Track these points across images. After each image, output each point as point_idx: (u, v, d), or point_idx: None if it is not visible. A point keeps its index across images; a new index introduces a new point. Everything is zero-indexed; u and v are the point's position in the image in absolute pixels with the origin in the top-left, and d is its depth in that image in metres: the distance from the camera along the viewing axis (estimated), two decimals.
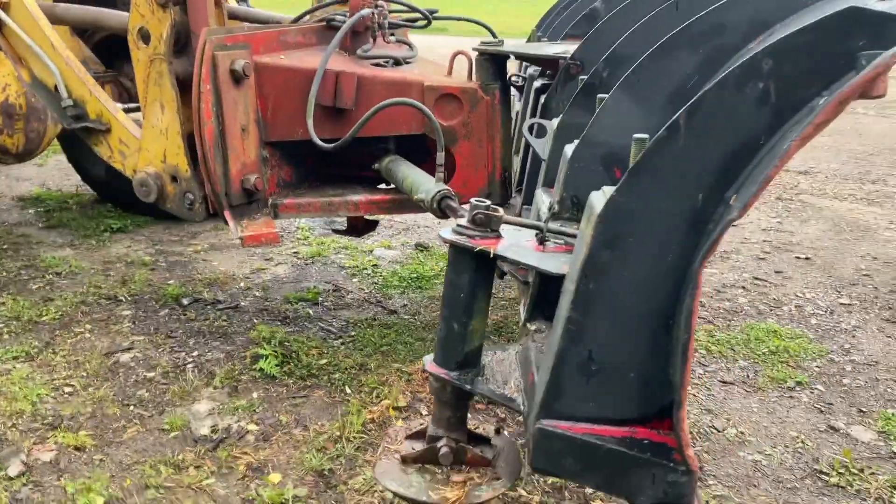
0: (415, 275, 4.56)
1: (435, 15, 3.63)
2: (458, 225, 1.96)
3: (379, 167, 3.32)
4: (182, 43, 3.11)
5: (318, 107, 3.18)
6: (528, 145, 3.02)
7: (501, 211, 1.96)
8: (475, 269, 1.94)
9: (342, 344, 3.70)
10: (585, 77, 2.44)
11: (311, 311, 4.05)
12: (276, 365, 3.41)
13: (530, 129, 2.83)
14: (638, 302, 1.48)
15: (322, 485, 2.72)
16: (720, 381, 3.48)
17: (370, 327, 3.88)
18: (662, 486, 1.52)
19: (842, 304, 4.31)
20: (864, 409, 3.28)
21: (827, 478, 2.85)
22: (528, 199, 2.95)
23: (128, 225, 5.30)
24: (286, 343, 3.61)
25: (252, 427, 3.03)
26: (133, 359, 3.51)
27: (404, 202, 3.30)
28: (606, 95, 2.02)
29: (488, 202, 1.94)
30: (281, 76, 3.16)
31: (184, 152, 3.12)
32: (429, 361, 2.07)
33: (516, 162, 3.43)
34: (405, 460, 2.12)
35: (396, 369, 3.45)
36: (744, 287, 4.50)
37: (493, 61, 3.16)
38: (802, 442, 3.05)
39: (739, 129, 1.35)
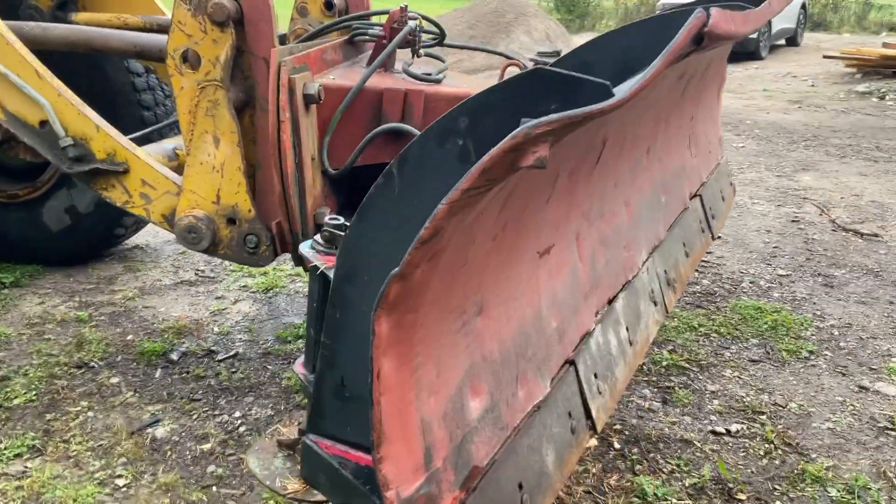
0: None
1: (447, 42, 3.47)
2: (314, 240, 2.00)
3: None
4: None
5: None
6: None
7: None
8: (322, 282, 1.95)
9: None
10: None
11: None
12: None
13: None
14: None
15: None
16: (749, 360, 3.73)
17: None
18: None
19: (781, 275, 4.78)
20: (873, 367, 3.69)
21: (894, 432, 3.18)
22: None
23: (20, 277, 4.50)
24: None
25: None
26: (171, 432, 3.02)
27: None
28: None
29: (342, 220, 1.97)
30: (342, 98, 2.87)
31: (245, 190, 2.73)
32: (298, 361, 2.08)
33: None
34: (280, 444, 2.11)
35: None
36: (696, 270, 4.84)
37: None
38: (851, 405, 3.38)
39: (447, 180, 1.22)
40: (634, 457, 2.98)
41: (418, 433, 1.38)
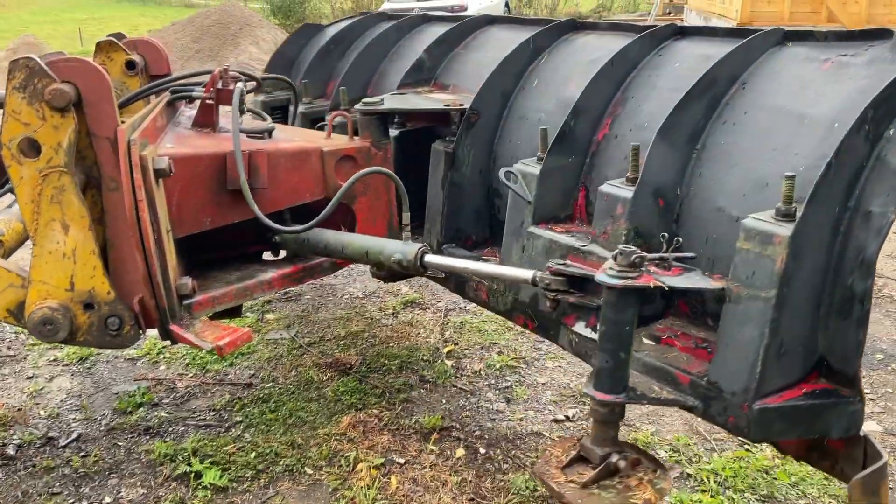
0: None
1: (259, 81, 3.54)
2: (612, 270, 2.20)
3: (283, 238, 3.23)
4: None
5: (224, 191, 3.00)
6: (451, 188, 3.23)
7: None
8: (637, 305, 2.21)
9: (244, 431, 3.48)
10: (565, 128, 2.74)
11: (164, 414, 3.65)
12: (220, 475, 3.12)
13: (506, 175, 2.89)
14: (807, 296, 2.07)
15: None
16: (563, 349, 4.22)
17: (247, 406, 3.69)
18: (846, 417, 2.16)
19: None
20: None
21: None
22: (450, 237, 3.27)
23: None
24: (200, 451, 3.28)
25: None
26: None
27: (313, 269, 3.31)
28: (638, 144, 2.50)
29: (634, 248, 2.21)
30: (186, 166, 2.87)
31: (101, 272, 2.66)
32: (594, 392, 2.26)
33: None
34: (586, 485, 2.36)
35: (324, 434, 3.43)
36: None
37: (380, 118, 3.31)
38: None
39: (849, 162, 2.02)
40: (500, 457, 3.31)
41: None
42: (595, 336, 2.50)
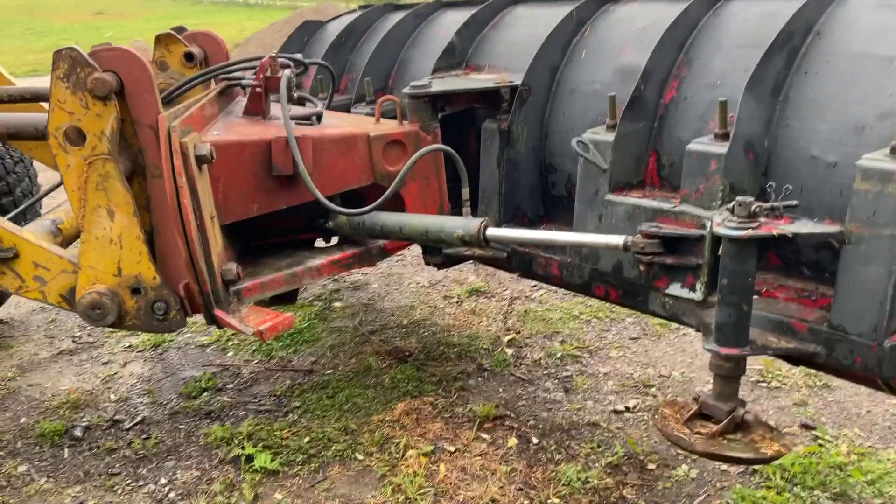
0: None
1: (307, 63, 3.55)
2: (731, 222, 2.11)
3: (337, 223, 3.22)
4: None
5: (270, 177, 3.01)
6: (508, 166, 3.17)
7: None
8: (757, 255, 2.13)
9: (301, 416, 3.51)
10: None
11: (226, 399, 3.72)
12: (271, 459, 3.15)
13: (578, 144, 2.80)
14: None
15: None
16: (630, 339, 4.08)
17: (306, 392, 3.72)
18: None
19: None
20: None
21: (767, 383, 3.61)
22: (509, 216, 3.20)
23: None
24: (255, 435, 3.33)
25: None
26: None
27: (362, 255, 3.30)
28: (726, 99, 2.36)
29: (751, 198, 2.11)
30: (231, 153, 2.91)
31: (147, 258, 2.72)
32: (718, 347, 2.17)
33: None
34: (713, 437, 2.23)
35: (378, 420, 3.42)
36: None
37: (429, 102, 3.27)
38: None
39: None
40: (553, 447, 3.22)
41: None
42: (691, 295, 2.44)
